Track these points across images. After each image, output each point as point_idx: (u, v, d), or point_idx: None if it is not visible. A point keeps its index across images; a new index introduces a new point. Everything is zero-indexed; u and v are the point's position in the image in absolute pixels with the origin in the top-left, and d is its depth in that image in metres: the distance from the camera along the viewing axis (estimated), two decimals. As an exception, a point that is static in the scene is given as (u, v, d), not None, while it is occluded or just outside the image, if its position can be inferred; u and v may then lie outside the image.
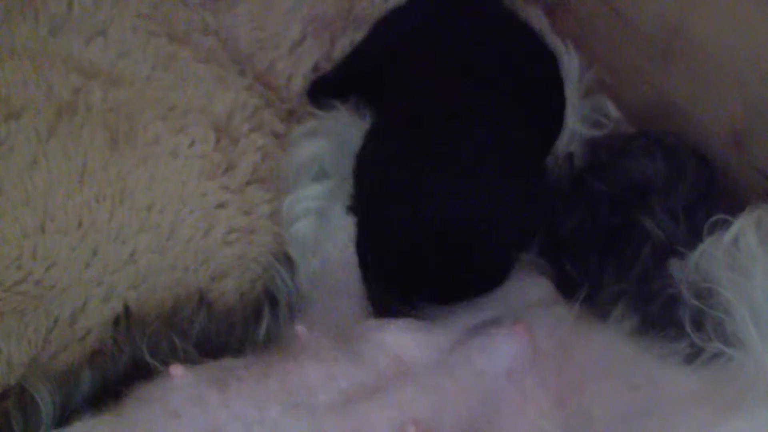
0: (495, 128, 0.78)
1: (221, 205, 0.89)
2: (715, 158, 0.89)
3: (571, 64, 0.99)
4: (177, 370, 0.72)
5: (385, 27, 0.98)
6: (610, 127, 0.99)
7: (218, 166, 0.90)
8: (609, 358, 0.76)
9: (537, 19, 1.02)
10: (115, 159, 0.86)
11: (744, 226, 0.76)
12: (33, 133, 0.85)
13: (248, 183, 0.92)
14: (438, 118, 0.79)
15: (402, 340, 0.76)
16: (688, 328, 0.74)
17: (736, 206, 0.79)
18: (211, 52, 0.98)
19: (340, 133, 0.91)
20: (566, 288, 0.82)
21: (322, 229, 0.89)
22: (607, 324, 0.78)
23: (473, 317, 0.79)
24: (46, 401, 0.72)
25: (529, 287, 0.83)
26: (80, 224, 0.83)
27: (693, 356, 0.74)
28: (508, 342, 0.75)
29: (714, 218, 0.78)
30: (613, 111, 0.99)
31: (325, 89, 0.99)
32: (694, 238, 0.79)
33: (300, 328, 0.78)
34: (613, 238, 0.83)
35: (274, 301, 0.83)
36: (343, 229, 0.86)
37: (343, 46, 1.03)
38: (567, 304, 0.80)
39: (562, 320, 0.79)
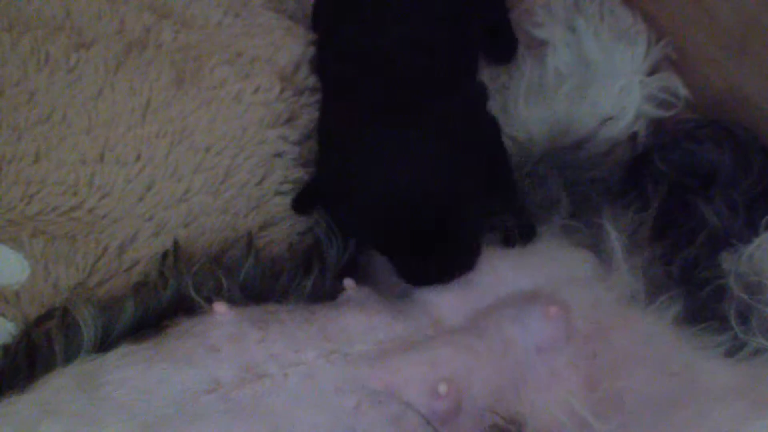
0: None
1: (278, 155, 0.89)
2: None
3: (638, 37, 0.98)
4: (220, 307, 0.73)
5: None
6: (678, 107, 0.97)
7: (280, 115, 0.90)
8: (647, 344, 0.75)
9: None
10: (179, 98, 0.86)
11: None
12: (101, 65, 0.86)
13: (307, 137, 0.92)
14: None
15: (442, 300, 0.76)
16: (733, 321, 0.73)
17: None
18: (282, 3, 0.99)
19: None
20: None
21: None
22: (649, 310, 0.77)
23: (513, 283, 0.79)
24: (88, 325, 0.73)
25: (574, 261, 0.82)
26: (138, 158, 0.84)
27: (734, 350, 0.74)
28: (539, 320, 0.75)
29: None
30: (681, 91, 0.98)
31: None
32: (750, 233, 0.78)
33: (348, 281, 0.79)
34: (668, 221, 0.82)
35: (322, 255, 0.83)
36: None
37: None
38: (610, 285, 0.80)
39: (602, 302, 0.78)
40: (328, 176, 0.84)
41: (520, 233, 0.83)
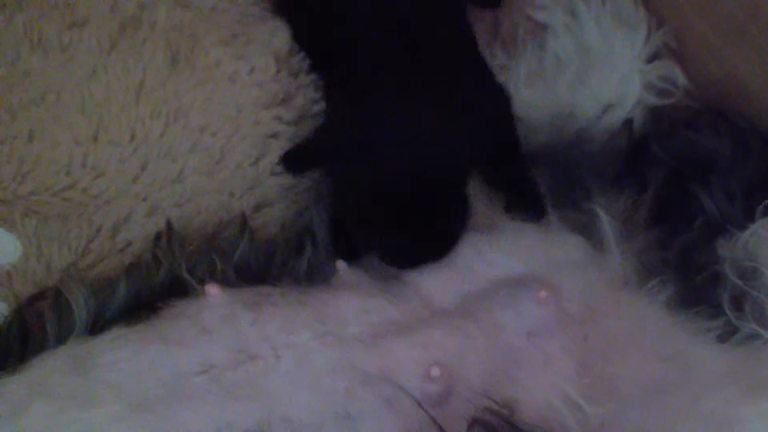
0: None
1: (273, 136, 0.89)
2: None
3: (639, 25, 0.97)
4: (213, 289, 0.73)
5: None
6: (677, 96, 0.96)
7: (275, 96, 0.90)
8: (639, 328, 0.75)
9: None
10: (173, 77, 0.86)
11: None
12: (95, 44, 0.85)
13: (302, 117, 0.91)
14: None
15: (433, 282, 0.76)
16: (727, 307, 0.73)
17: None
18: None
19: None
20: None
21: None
22: (641, 294, 0.78)
23: (504, 268, 0.79)
24: (80, 306, 0.73)
25: (565, 246, 0.82)
26: (132, 138, 0.84)
27: (727, 335, 0.74)
28: (530, 304, 0.75)
29: None
30: (680, 79, 0.96)
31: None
32: (747, 220, 0.78)
33: (340, 263, 0.79)
34: (664, 207, 0.82)
35: (314, 236, 0.83)
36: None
37: None
38: (601, 269, 0.79)
39: (593, 285, 0.78)
40: (328, 137, 0.85)
41: (527, 207, 0.85)
